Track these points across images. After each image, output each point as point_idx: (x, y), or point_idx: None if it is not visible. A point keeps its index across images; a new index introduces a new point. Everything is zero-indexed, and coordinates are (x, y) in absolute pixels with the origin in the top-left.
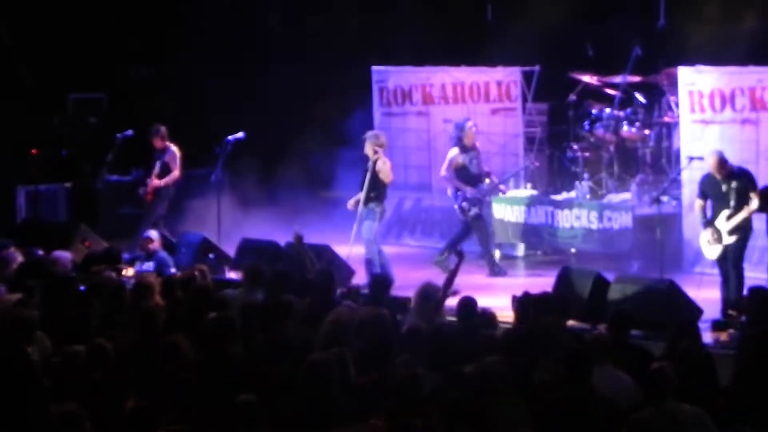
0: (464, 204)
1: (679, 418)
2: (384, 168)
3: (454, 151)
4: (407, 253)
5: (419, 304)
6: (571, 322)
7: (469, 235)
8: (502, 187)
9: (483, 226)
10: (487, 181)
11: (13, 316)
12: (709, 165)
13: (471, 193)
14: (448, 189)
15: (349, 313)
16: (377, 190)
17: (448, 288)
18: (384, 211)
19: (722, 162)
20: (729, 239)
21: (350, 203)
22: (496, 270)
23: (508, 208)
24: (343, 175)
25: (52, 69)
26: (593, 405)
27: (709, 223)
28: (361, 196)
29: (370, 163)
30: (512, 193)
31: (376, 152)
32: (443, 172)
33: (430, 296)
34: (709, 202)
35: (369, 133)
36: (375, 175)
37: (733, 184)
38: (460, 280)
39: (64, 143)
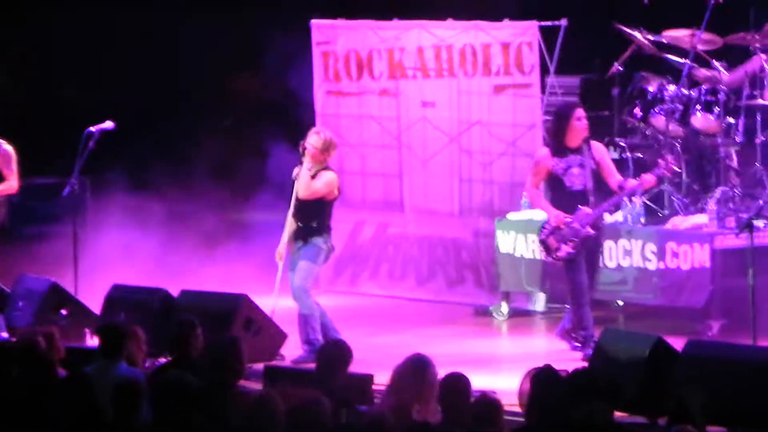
0: (544, 236)
1: None
2: (322, 182)
3: (542, 152)
4: (366, 306)
5: (395, 393)
6: (618, 414)
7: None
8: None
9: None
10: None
11: None
12: None
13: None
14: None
15: (276, 401)
16: (319, 217)
17: None
18: (332, 249)
19: None
20: None
21: (278, 253)
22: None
23: (520, 238)
24: (267, 185)
25: None
26: None
27: None
28: (289, 228)
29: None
30: (525, 213)
31: (322, 161)
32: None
33: (424, 377)
34: None
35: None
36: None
37: None
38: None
39: None
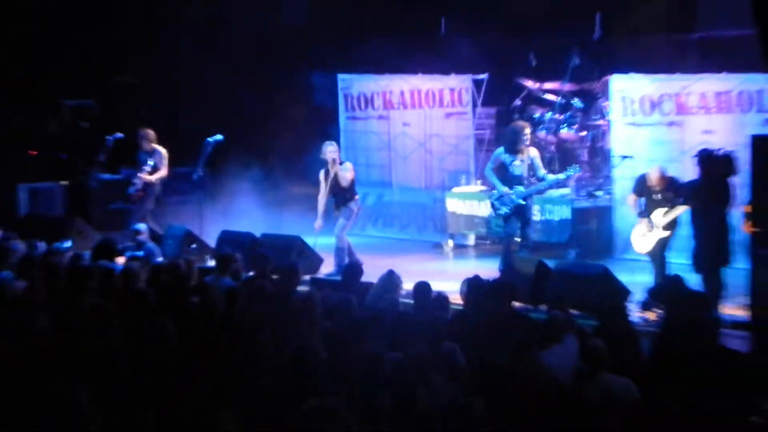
0: (495, 202)
1: (611, 386)
2: (349, 170)
3: (498, 150)
4: (370, 243)
5: (382, 289)
6: (516, 304)
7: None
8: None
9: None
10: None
11: (22, 299)
12: (652, 176)
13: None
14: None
15: (317, 298)
16: (351, 191)
17: None
18: (359, 207)
19: (662, 176)
20: (663, 233)
21: (317, 224)
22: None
23: (460, 203)
24: (312, 173)
25: (48, 78)
26: (537, 380)
27: (642, 214)
28: (320, 207)
29: (334, 170)
30: (463, 188)
31: (334, 160)
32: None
33: (392, 282)
34: (642, 198)
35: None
36: (345, 178)
37: (669, 193)
38: (417, 267)
39: (60, 145)
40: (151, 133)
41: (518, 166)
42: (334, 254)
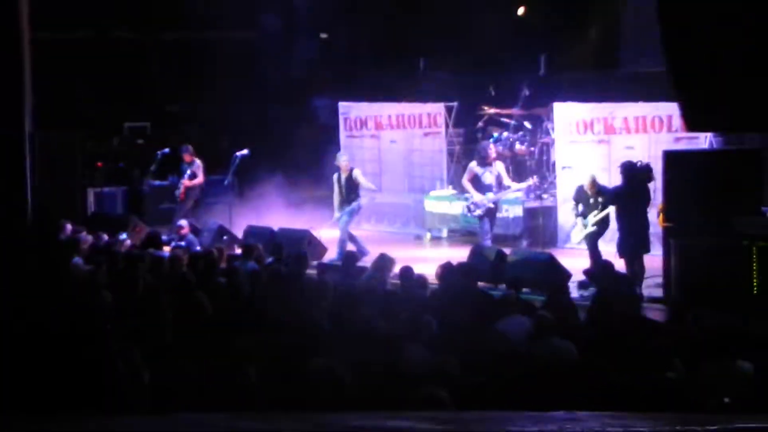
0: (470, 205)
1: (556, 348)
2: (362, 176)
3: (472, 163)
4: (365, 236)
5: (374, 269)
6: (480, 284)
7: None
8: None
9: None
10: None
11: (89, 280)
12: (586, 183)
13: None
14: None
15: (327, 283)
16: (355, 192)
17: None
18: (360, 207)
19: (593, 182)
20: (591, 229)
21: (336, 217)
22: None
23: (436, 203)
24: (321, 180)
25: (113, 105)
26: (496, 342)
27: (578, 215)
28: (336, 205)
29: (345, 175)
30: (438, 192)
31: (345, 167)
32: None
33: (383, 263)
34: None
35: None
36: (353, 182)
37: (599, 197)
38: (403, 254)
39: (121, 158)
40: (190, 147)
41: (488, 177)
42: (338, 244)
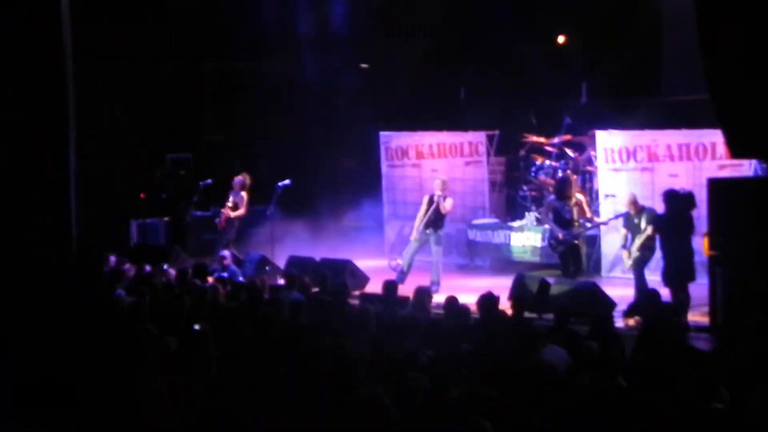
0: (552, 242)
1: (598, 377)
2: (450, 203)
3: (550, 198)
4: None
5: (416, 300)
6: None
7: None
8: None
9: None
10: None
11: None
12: (626, 203)
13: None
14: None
15: (369, 311)
16: (443, 220)
17: None
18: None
19: (634, 201)
20: (636, 254)
21: (414, 238)
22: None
23: (479, 233)
24: (359, 209)
25: (155, 137)
26: (540, 370)
27: (625, 246)
28: (417, 224)
29: (437, 201)
30: (480, 221)
31: (440, 194)
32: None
33: (424, 295)
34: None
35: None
36: (444, 209)
37: (643, 217)
38: (446, 283)
39: (164, 189)
40: (246, 180)
41: (569, 211)
42: (432, 268)
